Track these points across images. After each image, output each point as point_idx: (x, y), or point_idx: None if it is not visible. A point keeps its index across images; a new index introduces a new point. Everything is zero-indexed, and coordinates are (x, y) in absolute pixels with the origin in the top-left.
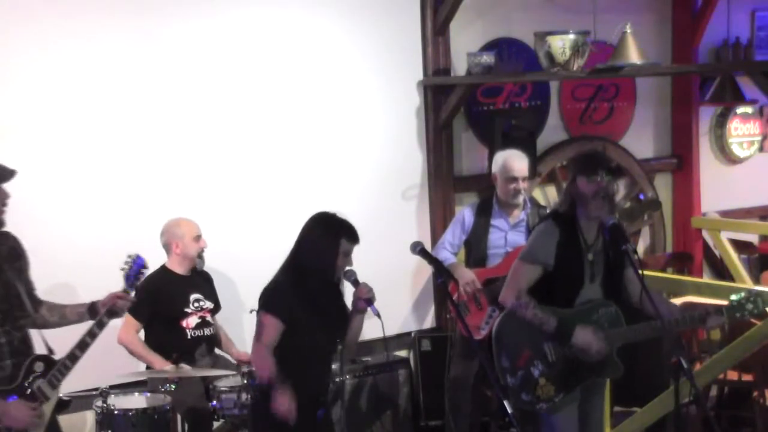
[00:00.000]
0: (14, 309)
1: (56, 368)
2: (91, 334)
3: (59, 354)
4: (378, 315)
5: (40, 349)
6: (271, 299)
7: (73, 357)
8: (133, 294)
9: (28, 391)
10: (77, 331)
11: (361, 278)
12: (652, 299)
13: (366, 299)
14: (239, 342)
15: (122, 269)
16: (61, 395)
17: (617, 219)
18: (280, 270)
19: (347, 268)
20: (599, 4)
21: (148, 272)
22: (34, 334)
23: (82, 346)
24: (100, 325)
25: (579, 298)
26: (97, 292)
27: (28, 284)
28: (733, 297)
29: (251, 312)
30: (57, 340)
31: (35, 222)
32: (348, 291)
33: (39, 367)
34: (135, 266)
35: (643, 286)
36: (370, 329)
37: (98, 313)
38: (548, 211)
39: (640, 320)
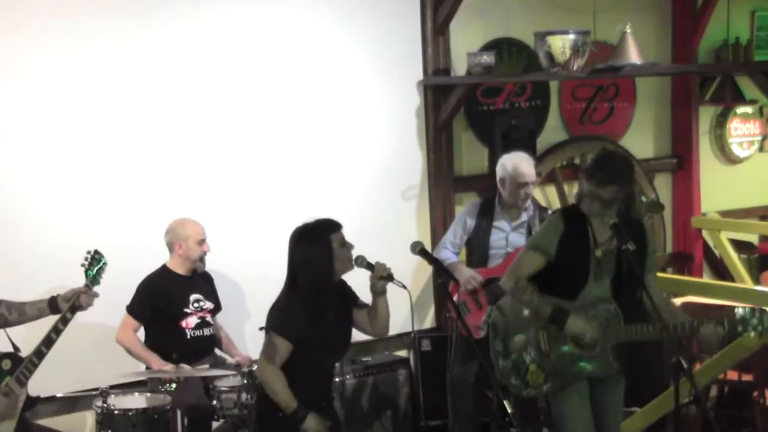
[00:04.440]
0: None
1: (23, 365)
2: (56, 330)
3: (24, 351)
4: (404, 286)
5: (4, 347)
6: (281, 320)
7: (39, 353)
8: (94, 289)
9: None
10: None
11: (362, 279)
12: (653, 301)
13: (386, 276)
14: (240, 343)
15: (82, 265)
16: (29, 393)
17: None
18: (284, 291)
19: (356, 255)
20: (599, 4)
21: (106, 268)
22: None
23: (48, 342)
24: (64, 321)
25: (584, 294)
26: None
27: None
28: (739, 311)
29: (260, 330)
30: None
31: (34, 222)
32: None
33: (6, 364)
34: (95, 262)
35: (643, 286)
36: None
37: (59, 308)
38: (550, 213)
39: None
